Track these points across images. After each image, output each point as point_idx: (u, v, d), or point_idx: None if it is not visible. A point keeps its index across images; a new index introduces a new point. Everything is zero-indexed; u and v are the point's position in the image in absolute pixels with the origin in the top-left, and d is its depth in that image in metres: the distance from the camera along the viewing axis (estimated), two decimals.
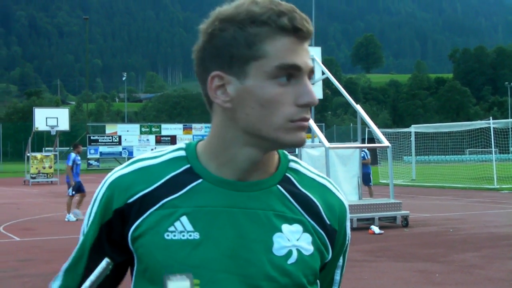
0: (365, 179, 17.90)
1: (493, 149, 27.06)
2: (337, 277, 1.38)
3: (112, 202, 1.24)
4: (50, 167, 33.84)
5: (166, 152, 1.29)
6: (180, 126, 49.37)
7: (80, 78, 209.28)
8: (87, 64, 56.75)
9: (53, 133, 35.78)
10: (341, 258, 1.36)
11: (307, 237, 1.25)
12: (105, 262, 1.15)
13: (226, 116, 1.21)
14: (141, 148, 45.63)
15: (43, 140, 61.07)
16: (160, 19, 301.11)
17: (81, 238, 1.29)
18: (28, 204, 20.11)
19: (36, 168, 33.26)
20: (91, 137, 44.83)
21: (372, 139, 20.21)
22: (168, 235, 1.20)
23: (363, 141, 18.42)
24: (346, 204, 1.36)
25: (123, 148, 45.79)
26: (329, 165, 12.78)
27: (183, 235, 1.20)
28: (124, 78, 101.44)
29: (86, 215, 1.29)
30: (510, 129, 31.78)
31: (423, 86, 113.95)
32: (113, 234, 1.25)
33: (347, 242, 1.36)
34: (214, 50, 1.20)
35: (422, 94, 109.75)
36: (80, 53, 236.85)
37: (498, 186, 24.65)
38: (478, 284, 7.76)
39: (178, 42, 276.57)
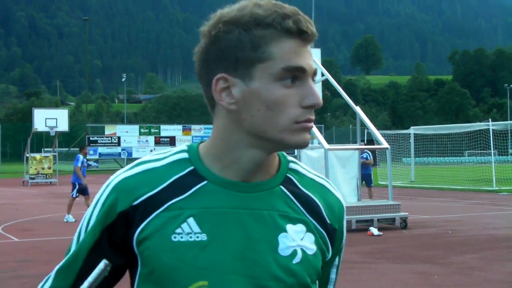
0: (367, 180, 17.92)
1: (492, 151, 27.06)
2: (332, 276, 1.39)
3: (116, 204, 1.23)
4: (49, 168, 33.82)
5: (169, 155, 1.29)
6: (180, 127, 49.35)
7: (79, 79, 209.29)
8: (86, 65, 56.71)
9: (52, 134, 35.78)
10: (337, 257, 1.38)
11: (310, 237, 1.27)
12: (103, 263, 1.15)
13: (231, 118, 1.22)
14: (140, 149, 45.60)
15: (42, 141, 61.03)
16: (160, 20, 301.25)
17: (77, 239, 1.28)
18: (27, 205, 20.10)
19: (35, 169, 33.24)
20: (90, 138, 44.80)
21: (371, 141, 20.19)
22: (175, 237, 1.20)
23: (363, 142, 18.38)
24: (344, 203, 1.39)
25: (122, 149, 45.75)
26: (328, 166, 12.78)
27: (190, 237, 1.20)
28: (123, 79, 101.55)
29: (85, 217, 1.28)
30: (509, 131, 31.83)
31: (422, 87, 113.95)
32: (114, 237, 1.24)
33: (343, 241, 1.38)
34: (219, 52, 1.20)
35: (422, 95, 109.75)
36: (79, 54, 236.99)
37: (497, 188, 24.65)
38: (477, 286, 7.76)
39: (177, 43, 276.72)
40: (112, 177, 1.27)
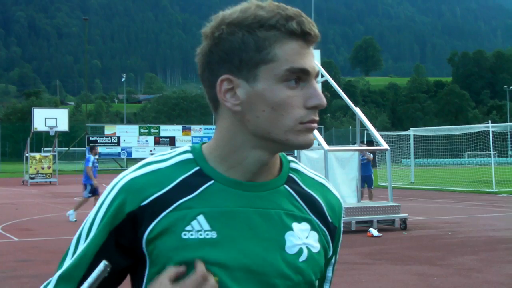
0: (368, 182, 17.84)
1: (491, 153, 27.07)
2: (329, 274, 1.41)
3: (125, 205, 1.23)
4: (49, 168, 33.83)
5: (173, 156, 1.29)
6: (179, 127, 49.37)
7: (79, 79, 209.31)
8: (86, 65, 56.66)
9: (52, 133, 35.80)
10: (334, 255, 1.40)
11: (314, 235, 1.29)
12: (102, 264, 1.15)
13: (235, 119, 1.23)
14: (140, 149, 45.59)
15: (42, 140, 61.08)
16: (159, 21, 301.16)
17: (76, 243, 1.26)
18: (27, 205, 20.08)
19: (35, 169, 33.25)
20: (90, 138, 44.80)
21: (371, 142, 20.21)
22: (185, 234, 1.21)
23: (364, 144, 18.38)
24: (342, 202, 1.41)
25: (122, 149, 45.74)
26: (328, 167, 12.78)
27: (200, 234, 1.21)
28: (123, 79, 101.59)
29: (88, 221, 1.27)
30: (508, 133, 31.85)
31: (422, 89, 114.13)
32: (121, 239, 1.24)
33: (341, 239, 1.41)
34: (223, 53, 1.21)
35: (421, 97, 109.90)
36: (79, 54, 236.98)
37: (496, 190, 24.66)
38: (476, 287, 7.76)
39: (177, 44, 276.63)
40: (118, 178, 1.27)
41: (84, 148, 45.57)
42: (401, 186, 28.41)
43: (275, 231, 1.25)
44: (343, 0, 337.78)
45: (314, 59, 1.23)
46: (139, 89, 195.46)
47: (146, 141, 46.25)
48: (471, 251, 10.35)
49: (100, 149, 45.22)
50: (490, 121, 29.20)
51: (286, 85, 1.19)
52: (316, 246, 1.28)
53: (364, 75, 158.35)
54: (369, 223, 12.83)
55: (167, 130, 47.78)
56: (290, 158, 1.36)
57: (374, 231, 12.29)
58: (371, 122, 14.72)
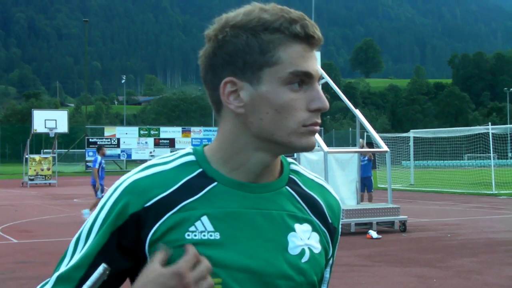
0: (368, 184, 17.60)
1: (491, 155, 27.08)
2: (327, 275, 1.41)
3: (128, 206, 1.23)
4: (49, 169, 33.81)
5: (175, 158, 1.30)
6: (179, 129, 49.40)
7: (79, 81, 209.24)
8: (86, 66, 56.75)
9: (51, 135, 35.81)
10: (332, 257, 1.41)
11: (316, 236, 1.30)
12: (102, 267, 1.14)
13: (238, 121, 1.24)
14: (139, 151, 45.61)
15: (42, 142, 61.07)
16: (159, 22, 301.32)
17: (75, 245, 1.25)
18: (26, 206, 20.08)
19: (35, 170, 33.24)
20: (90, 140, 44.80)
21: (371, 144, 20.20)
22: (188, 235, 1.21)
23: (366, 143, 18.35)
24: (341, 203, 1.43)
25: (122, 151, 45.76)
26: (327, 169, 12.78)
27: (204, 235, 1.21)
28: (123, 81, 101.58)
29: (88, 222, 1.26)
30: (508, 135, 31.83)
31: (422, 91, 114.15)
32: (123, 240, 1.23)
33: (338, 240, 1.42)
34: (226, 56, 1.21)
35: (421, 99, 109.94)
36: (79, 55, 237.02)
37: (496, 192, 24.66)
38: None
39: (177, 45, 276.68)
40: (120, 180, 1.26)
41: (84, 150, 45.58)
42: (400, 188, 28.41)
43: (278, 232, 1.25)
44: (343, 1, 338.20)
45: (316, 62, 1.24)
46: (139, 91, 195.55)
47: (146, 142, 46.27)
48: (471, 253, 10.35)
49: None
50: (490, 123, 29.20)
51: (290, 87, 1.20)
52: (317, 247, 1.29)
53: (364, 77, 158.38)
54: (369, 225, 12.84)
55: (167, 132, 47.82)
56: (290, 159, 1.37)
57: (373, 233, 12.29)
58: (371, 124, 14.73)
